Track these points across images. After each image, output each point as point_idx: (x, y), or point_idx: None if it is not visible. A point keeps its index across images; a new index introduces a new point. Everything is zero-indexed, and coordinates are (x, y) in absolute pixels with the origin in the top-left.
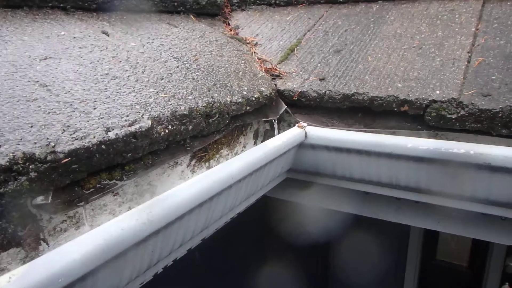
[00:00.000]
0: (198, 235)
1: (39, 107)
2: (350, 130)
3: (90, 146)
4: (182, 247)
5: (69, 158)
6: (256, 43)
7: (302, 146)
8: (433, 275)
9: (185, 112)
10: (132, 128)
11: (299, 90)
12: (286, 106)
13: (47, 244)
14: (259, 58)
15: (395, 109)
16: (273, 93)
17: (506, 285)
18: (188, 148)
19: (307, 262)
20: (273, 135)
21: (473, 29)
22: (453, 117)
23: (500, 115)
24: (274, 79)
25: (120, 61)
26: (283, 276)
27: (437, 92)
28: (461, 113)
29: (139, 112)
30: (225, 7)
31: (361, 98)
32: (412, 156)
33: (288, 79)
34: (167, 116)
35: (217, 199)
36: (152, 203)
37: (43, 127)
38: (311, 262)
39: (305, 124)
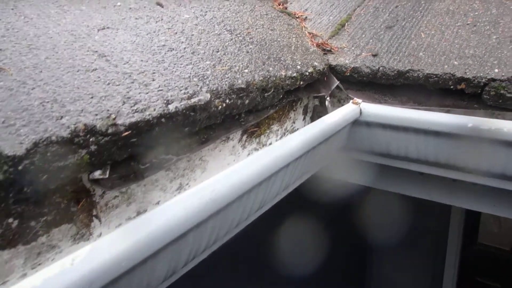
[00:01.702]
0: (254, 214)
1: (99, 77)
2: (404, 108)
3: (151, 119)
4: (238, 226)
5: (130, 131)
6: (306, 17)
7: (357, 123)
8: (475, 259)
9: (242, 86)
10: (191, 101)
11: (352, 66)
12: (338, 82)
13: (100, 221)
14: (309, 33)
15: (452, 87)
16: (325, 68)
17: None
18: (243, 123)
19: (345, 240)
20: (323, 112)
21: None
22: None
23: None
24: (326, 54)
25: (176, 33)
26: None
27: (496, 70)
28: None
29: (197, 85)
30: None
31: (416, 75)
32: (472, 136)
33: (340, 54)
34: (225, 89)
35: (275, 177)
36: (215, 181)
37: (103, 98)
38: (349, 240)
39: (359, 101)
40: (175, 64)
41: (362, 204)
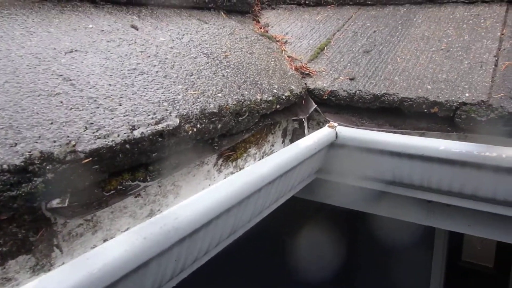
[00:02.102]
0: (225, 241)
1: (61, 102)
2: (380, 131)
3: (114, 145)
4: (208, 254)
5: (90, 158)
6: (286, 41)
7: (333, 146)
8: (459, 276)
9: (214, 110)
10: (159, 127)
11: (329, 89)
12: (316, 105)
13: (61, 250)
14: (288, 56)
15: (425, 110)
16: (303, 92)
17: None
18: (216, 147)
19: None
20: (302, 134)
21: (499, 33)
22: (483, 119)
23: None
24: (304, 77)
25: (149, 56)
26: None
27: (467, 94)
28: (490, 115)
29: (167, 110)
30: (255, 5)
31: (391, 98)
32: (444, 158)
33: (318, 78)
34: (196, 114)
35: (246, 203)
36: (178, 208)
37: (64, 124)
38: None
39: (335, 124)
40: (145, 88)
41: (347, 224)
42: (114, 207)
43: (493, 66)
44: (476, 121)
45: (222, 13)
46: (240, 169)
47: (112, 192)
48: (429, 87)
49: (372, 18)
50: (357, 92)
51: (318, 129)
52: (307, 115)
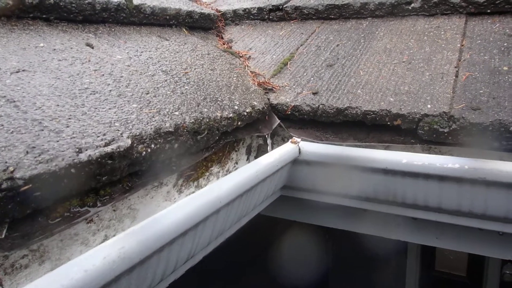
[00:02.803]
0: (182, 267)
1: (2, 125)
2: (344, 145)
3: (57, 170)
4: (164, 281)
5: (30, 185)
6: (249, 56)
7: (296, 162)
8: (433, 286)
9: (170, 129)
10: (108, 148)
11: (292, 104)
12: (279, 121)
13: (1, 285)
14: (252, 72)
15: (388, 123)
16: (266, 107)
17: None
18: (174, 168)
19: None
20: (267, 150)
21: (458, 45)
22: (445, 131)
23: (490, 128)
24: (267, 93)
25: (103, 75)
26: None
27: (429, 106)
28: (452, 127)
29: (118, 130)
30: (219, 21)
31: (354, 112)
32: (407, 171)
33: (281, 93)
34: (150, 133)
35: (203, 226)
36: (125, 236)
37: (2, 148)
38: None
39: (298, 140)
40: (96, 108)
41: (320, 236)
42: (63, 235)
43: (454, 77)
44: (438, 133)
45: (184, 29)
46: (202, 188)
47: (58, 219)
48: (391, 99)
49: (335, 32)
50: (320, 106)
51: (283, 144)
52: (271, 131)
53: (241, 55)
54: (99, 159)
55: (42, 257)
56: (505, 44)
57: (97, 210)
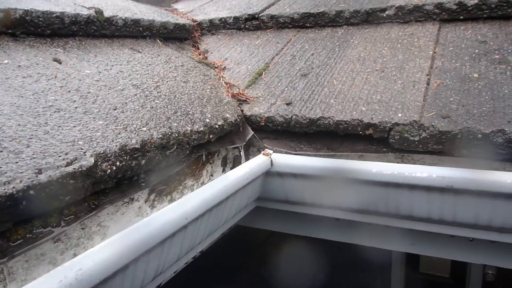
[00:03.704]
0: (150, 284)
1: None
2: (317, 155)
3: (15, 193)
4: None
5: None
6: (225, 67)
7: (269, 174)
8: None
9: (136, 146)
10: (70, 168)
11: (266, 116)
12: (253, 132)
13: None
14: (226, 83)
15: (361, 132)
16: (239, 119)
17: None
18: (143, 184)
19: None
20: (242, 162)
21: (431, 52)
22: (416, 139)
23: (459, 136)
24: (241, 104)
25: (69, 91)
26: None
27: (399, 115)
28: (423, 135)
29: (82, 149)
30: (195, 31)
31: (326, 122)
32: (377, 181)
33: (255, 104)
34: (115, 151)
35: (170, 242)
36: (83, 258)
37: None
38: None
39: (271, 151)
40: (59, 126)
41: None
42: (28, 256)
43: (425, 85)
44: (409, 141)
45: (158, 41)
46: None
47: (19, 241)
48: (363, 108)
49: (311, 41)
50: (294, 117)
51: (255, 157)
52: (245, 143)
53: (216, 66)
54: (60, 180)
55: (6, 280)
56: (476, 50)
57: (61, 230)
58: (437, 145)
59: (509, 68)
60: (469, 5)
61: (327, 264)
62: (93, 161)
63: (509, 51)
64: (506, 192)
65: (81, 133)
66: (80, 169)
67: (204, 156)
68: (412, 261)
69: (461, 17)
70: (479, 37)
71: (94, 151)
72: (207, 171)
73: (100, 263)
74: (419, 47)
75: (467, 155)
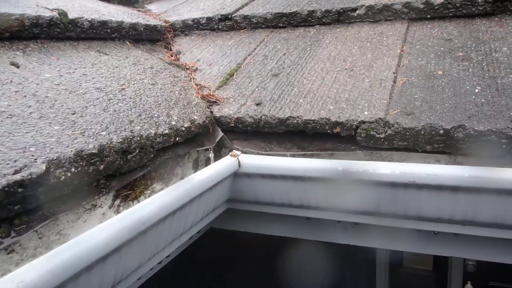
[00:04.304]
0: None
1: None
2: (286, 155)
3: None
4: None
5: None
6: (196, 68)
7: (238, 175)
8: (402, 282)
9: (94, 151)
10: (18, 176)
11: (236, 116)
12: (222, 134)
13: None
14: (197, 84)
15: (329, 131)
16: (207, 121)
17: (469, 284)
18: (104, 189)
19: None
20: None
21: (399, 50)
22: (382, 136)
23: (422, 132)
24: (211, 105)
25: (25, 96)
26: None
27: (366, 112)
28: (388, 132)
29: (33, 156)
30: (168, 32)
31: (295, 121)
32: (343, 179)
33: (225, 105)
34: (70, 157)
35: (128, 248)
36: (28, 269)
37: None
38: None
39: (238, 153)
40: (10, 133)
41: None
42: None
43: (392, 83)
44: (375, 139)
45: (128, 42)
46: None
47: None
48: (331, 107)
49: (283, 41)
50: (263, 117)
51: (221, 159)
52: (214, 144)
53: (188, 67)
54: (6, 188)
55: None
56: (442, 48)
57: (13, 240)
58: (402, 142)
59: (471, 65)
60: (436, 4)
61: (315, 262)
62: (44, 168)
63: (472, 48)
64: (465, 186)
65: (33, 139)
66: (29, 176)
67: (172, 159)
68: (396, 256)
69: (429, 16)
70: (444, 35)
71: (46, 158)
72: (177, 174)
73: (44, 274)
74: (388, 45)
75: (431, 151)
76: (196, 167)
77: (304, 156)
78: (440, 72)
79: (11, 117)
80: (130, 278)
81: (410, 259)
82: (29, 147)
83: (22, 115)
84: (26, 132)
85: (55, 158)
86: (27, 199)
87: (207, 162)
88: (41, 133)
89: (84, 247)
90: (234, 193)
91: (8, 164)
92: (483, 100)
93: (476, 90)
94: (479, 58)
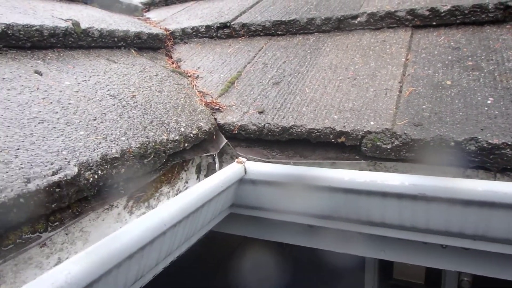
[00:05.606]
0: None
1: None
2: (290, 163)
3: (6, 201)
4: None
5: None
6: (197, 76)
7: (243, 181)
8: None
9: (116, 155)
10: (56, 177)
11: (239, 124)
12: (226, 140)
13: None
14: (199, 92)
15: (333, 140)
16: (212, 128)
17: None
18: (123, 191)
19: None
20: (216, 169)
21: (403, 59)
22: (388, 147)
23: (431, 144)
24: (214, 112)
25: (51, 102)
26: None
27: (372, 123)
28: (395, 143)
29: (66, 159)
30: (168, 40)
31: (299, 130)
32: (349, 189)
33: (228, 112)
34: (97, 160)
35: (150, 248)
36: (71, 262)
37: None
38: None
39: (244, 159)
40: (44, 137)
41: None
42: (17, 260)
43: (398, 93)
44: (381, 149)
45: (132, 50)
46: (153, 208)
47: (10, 246)
48: (335, 116)
49: (282, 49)
50: (266, 125)
51: (229, 165)
52: (218, 151)
53: (189, 75)
54: (47, 188)
55: None
56: (449, 57)
57: (48, 235)
58: (409, 153)
59: (482, 75)
60: (442, 11)
61: (300, 271)
62: (76, 171)
63: (483, 57)
64: (478, 200)
65: (64, 143)
66: (65, 178)
67: (178, 164)
68: (386, 267)
69: (434, 23)
70: (452, 43)
71: (77, 161)
72: (182, 178)
73: (87, 267)
74: (391, 54)
75: (440, 163)
76: (198, 172)
77: (306, 164)
78: (448, 82)
79: (43, 122)
80: (146, 276)
81: (401, 272)
82: (62, 151)
83: (51, 121)
84: (57, 137)
85: (84, 161)
86: (61, 199)
87: (209, 168)
88: (70, 137)
89: (116, 245)
90: (238, 199)
91: (46, 166)
92: (496, 112)
93: (489, 102)
94: (491, 67)
